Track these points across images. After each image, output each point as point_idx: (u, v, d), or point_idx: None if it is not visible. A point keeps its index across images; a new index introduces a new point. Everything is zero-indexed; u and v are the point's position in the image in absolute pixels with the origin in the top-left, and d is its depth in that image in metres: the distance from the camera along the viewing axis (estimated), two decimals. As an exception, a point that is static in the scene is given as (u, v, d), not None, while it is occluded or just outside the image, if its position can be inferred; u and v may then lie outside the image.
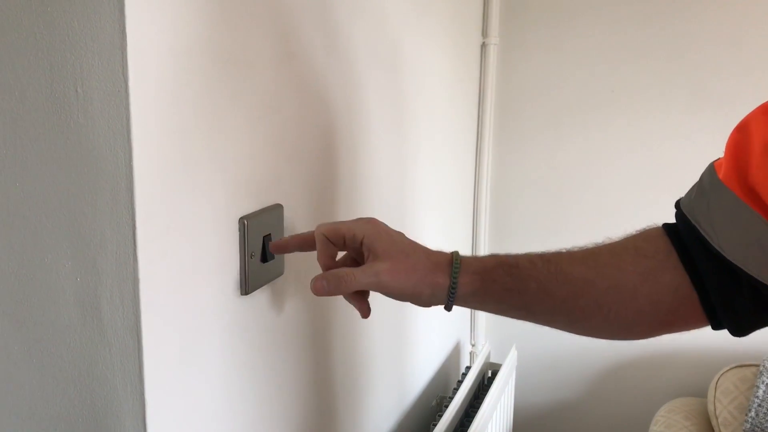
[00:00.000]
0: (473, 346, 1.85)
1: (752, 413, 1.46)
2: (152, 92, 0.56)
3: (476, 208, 1.81)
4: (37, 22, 0.54)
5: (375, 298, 0.69)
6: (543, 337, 1.82)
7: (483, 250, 1.81)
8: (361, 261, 0.68)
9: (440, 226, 1.54)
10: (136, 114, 0.54)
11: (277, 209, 0.78)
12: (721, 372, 1.59)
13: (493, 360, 1.69)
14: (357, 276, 0.65)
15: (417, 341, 1.41)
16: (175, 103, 0.59)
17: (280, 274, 0.80)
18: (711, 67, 1.60)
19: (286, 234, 0.81)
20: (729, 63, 1.59)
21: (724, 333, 0.60)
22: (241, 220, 0.71)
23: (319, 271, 0.68)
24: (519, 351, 1.78)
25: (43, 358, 0.61)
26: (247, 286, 0.73)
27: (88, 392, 0.60)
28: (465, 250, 1.78)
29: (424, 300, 0.66)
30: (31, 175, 0.57)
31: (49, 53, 0.54)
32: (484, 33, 1.72)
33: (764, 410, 1.46)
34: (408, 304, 0.68)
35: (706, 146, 1.58)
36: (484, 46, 1.73)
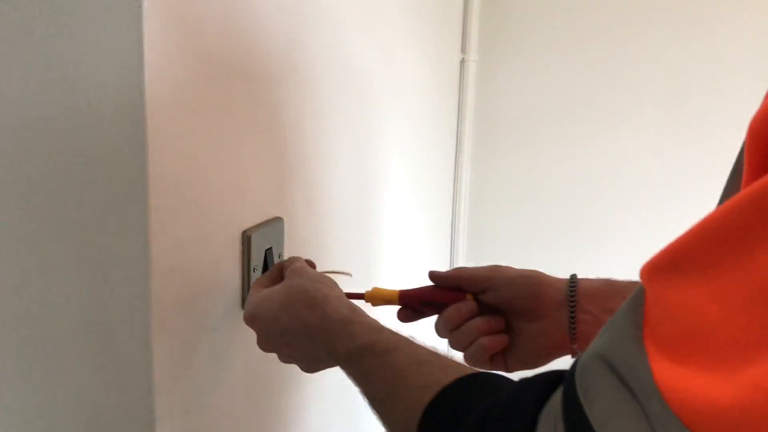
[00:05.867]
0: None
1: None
2: (167, 103, 0.55)
3: (455, 222, 1.82)
4: (50, 29, 0.53)
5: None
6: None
7: (461, 263, 1.82)
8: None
9: (419, 239, 1.54)
10: (152, 126, 0.53)
11: (278, 222, 0.77)
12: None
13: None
14: None
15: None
16: (187, 118, 0.59)
17: (280, 287, 0.79)
18: (686, 86, 1.65)
19: (287, 247, 0.80)
20: (704, 82, 1.63)
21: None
22: (245, 233, 0.71)
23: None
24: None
25: (47, 368, 0.59)
26: (249, 300, 0.72)
27: (95, 409, 0.59)
28: (443, 263, 1.79)
29: None
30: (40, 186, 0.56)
31: (62, 62, 0.53)
32: (464, 49, 1.74)
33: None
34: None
35: (680, 163, 1.63)
36: (463, 62, 1.75)
